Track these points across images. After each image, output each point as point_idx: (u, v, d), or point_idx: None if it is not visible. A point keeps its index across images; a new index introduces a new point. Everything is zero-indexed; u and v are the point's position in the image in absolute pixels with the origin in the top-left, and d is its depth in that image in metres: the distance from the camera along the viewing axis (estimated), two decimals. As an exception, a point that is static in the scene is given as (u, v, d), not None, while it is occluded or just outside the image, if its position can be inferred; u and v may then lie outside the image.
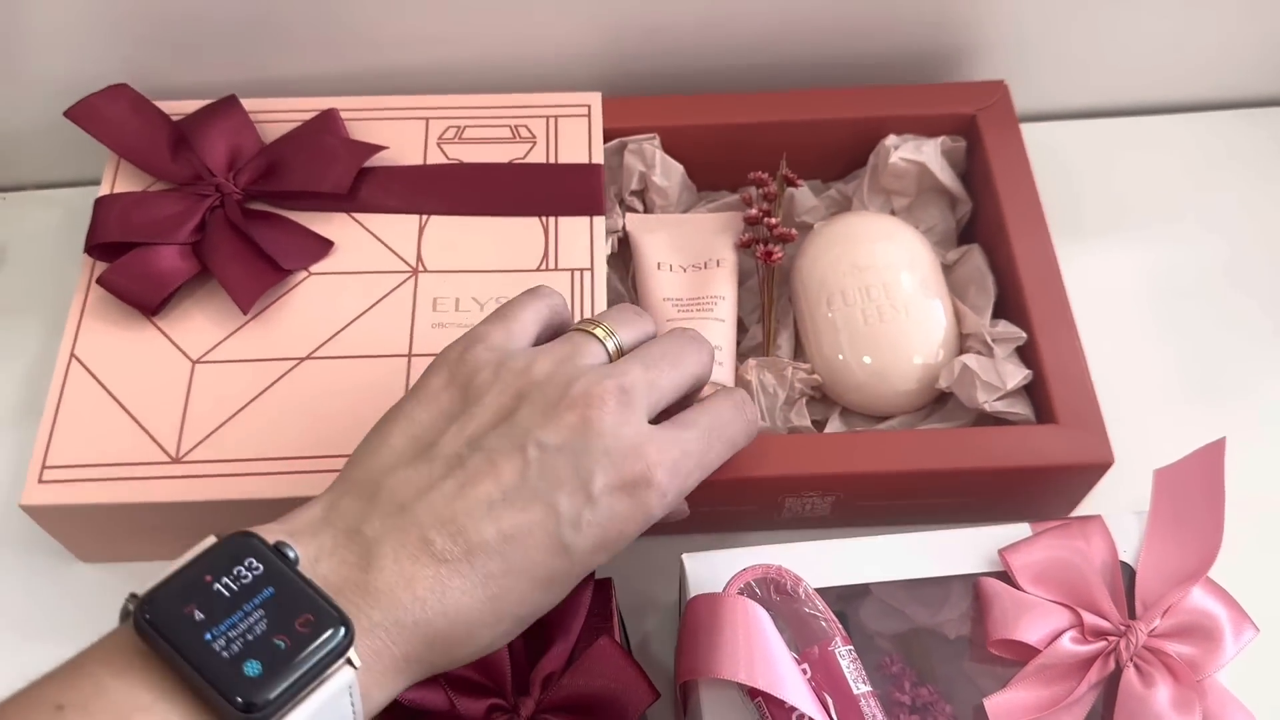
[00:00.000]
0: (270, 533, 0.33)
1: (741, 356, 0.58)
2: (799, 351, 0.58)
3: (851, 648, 0.44)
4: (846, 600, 0.47)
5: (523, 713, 0.46)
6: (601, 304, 0.53)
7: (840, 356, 0.55)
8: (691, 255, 0.59)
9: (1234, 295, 0.63)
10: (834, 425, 0.56)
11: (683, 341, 0.43)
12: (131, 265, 0.52)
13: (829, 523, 0.55)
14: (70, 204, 0.61)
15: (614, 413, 0.38)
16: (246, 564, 0.32)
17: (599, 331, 0.42)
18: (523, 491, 0.36)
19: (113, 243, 0.53)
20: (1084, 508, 0.56)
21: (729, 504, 0.53)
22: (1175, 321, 0.62)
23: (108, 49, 0.58)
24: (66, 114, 0.54)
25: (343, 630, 0.31)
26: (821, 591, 0.45)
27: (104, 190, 0.56)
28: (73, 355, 0.51)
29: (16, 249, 0.63)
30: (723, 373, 0.56)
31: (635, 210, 0.61)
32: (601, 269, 0.54)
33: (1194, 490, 0.47)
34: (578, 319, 0.45)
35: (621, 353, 0.42)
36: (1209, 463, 0.47)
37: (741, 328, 0.60)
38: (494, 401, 0.38)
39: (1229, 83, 0.68)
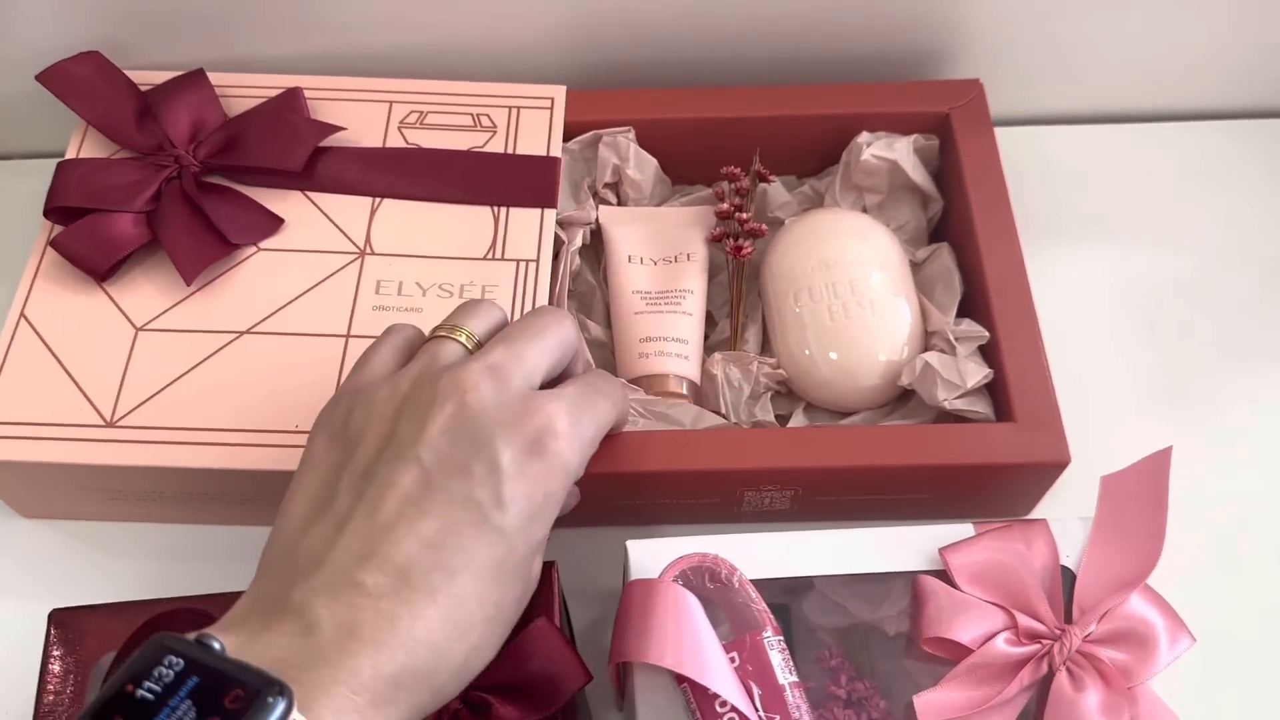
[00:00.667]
0: (192, 634, 0.32)
1: (710, 350, 0.57)
2: (766, 346, 0.57)
3: (782, 638, 0.43)
4: (791, 593, 0.47)
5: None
6: (544, 296, 0.53)
7: (806, 352, 0.54)
8: (662, 248, 0.58)
9: (1204, 308, 0.61)
10: (798, 420, 0.55)
11: (539, 314, 0.42)
12: (85, 230, 0.52)
13: (789, 517, 0.54)
14: (47, 174, 0.62)
15: (490, 390, 0.37)
16: (166, 663, 0.30)
17: (451, 332, 0.41)
18: (431, 494, 0.35)
19: (72, 207, 0.53)
20: (1043, 508, 0.55)
21: (689, 497, 0.53)
22: (1143, 330, 0.61)
23: (84, 23, 0.58)
24: (38, 77, 0.55)
25: (277, 690, 0.29)
26: (766, 583, 0.45)
27: (69, 155, 0.56)
28: (22, 315, 0.52)
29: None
30: (689, 367, 0.55)
31: (609, 203, 0.60)
32: (547, 262, 0.54)
33: (1138, 498, 0.46)
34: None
35: (480, 345, 0.41)
36: (1154, 471, 0.45)
37: (711, 322, 0.59)
38: (374, 433, 0.37)
39: (1211, 93, 0.67)
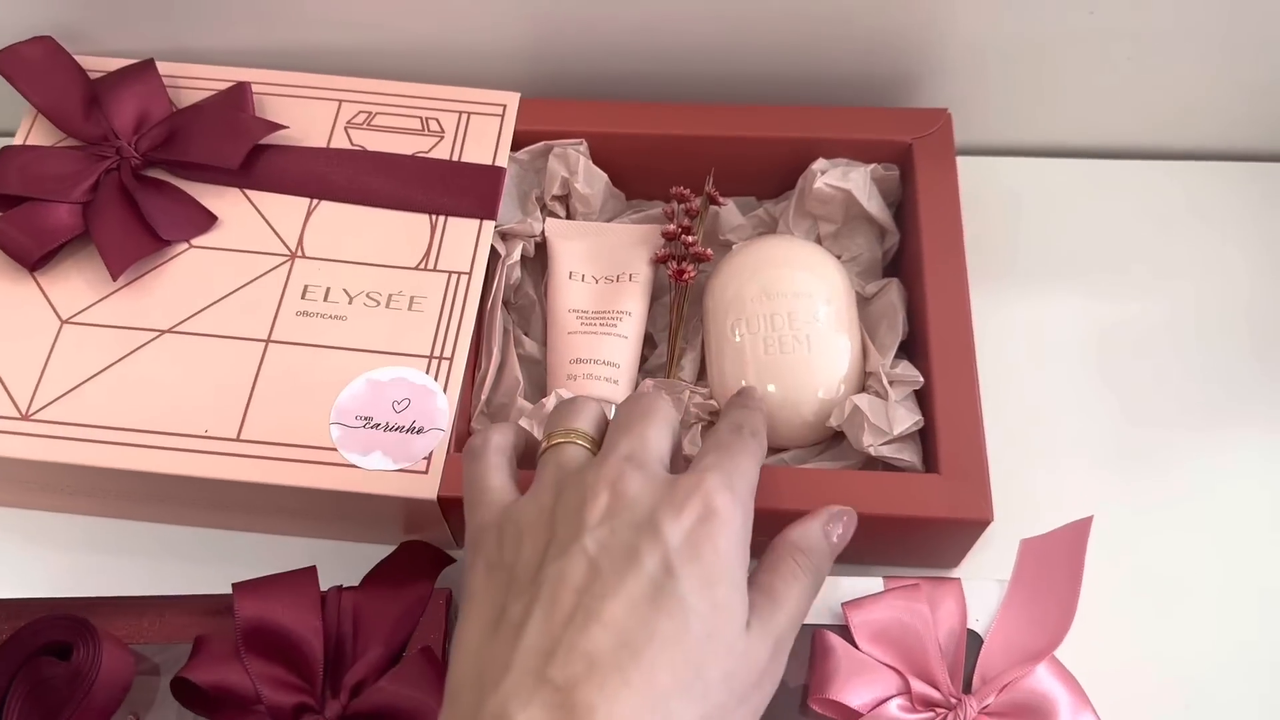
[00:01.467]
0: None
1: (646, 375, 0.56)
2: (704, 374, 0.55)
3: None
4: None
5: (328, 715, 0.45)
6: (473, 311, 0.52)
7: (742, 383, 0.52)
8: (606, 266, 0.57)
9: (1170, 358, 0.59)
10: None
11: (639, 399, 0.41)
12: (21, 218, 0.52)
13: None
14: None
15: (636, 477, 0.37)
16: None
17: (567, 437, 0.40)
18: (602, 579, 0.34)
19: (10, 194, 0.53)
20: (972, 562, 0.53)
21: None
22: (1097, 381, 0.58)
23: (42, 4, 0.58)
24: (-10, 60, 0.55)
25: None
26: None
27: (17, 141, 0.56)
28: (-48, 301, 0.52)
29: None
30: (617, 392, 0.54)
31: (557, 216, 0.59)
32: (479, 275, 0.53)
33: (1054, 565, 0.44)
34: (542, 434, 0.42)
35: (595, 442, 0.40)
36: (1073, 539, 0.44)
37: (651, 344, 0.58)
38: (531, 546, 0.37)
39: (1191, 132, 0.64)
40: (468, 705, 0.33)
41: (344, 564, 0.49)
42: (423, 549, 0.51)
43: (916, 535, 0.50)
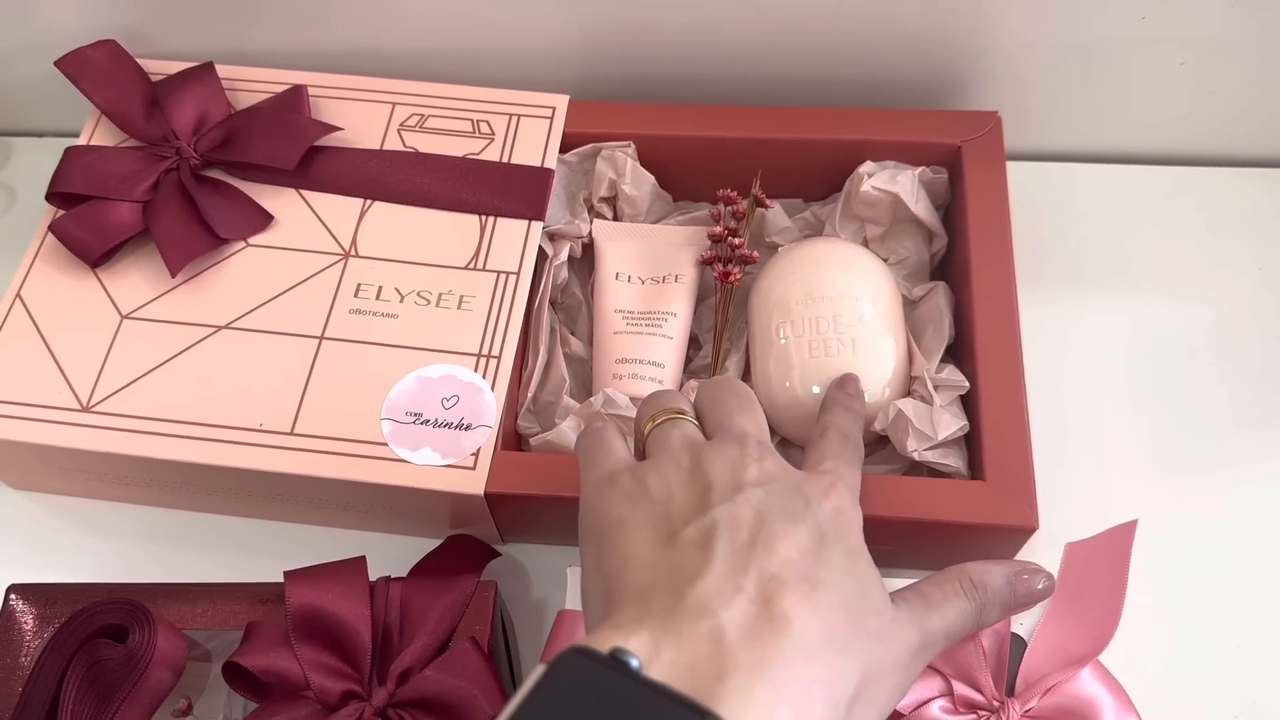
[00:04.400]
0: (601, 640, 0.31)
1: (690, 376, 0.56)
2: (748, 375, 0.56)
3: None
4: None
5: (374, 702, 0.46)
6: (520, 311, 0.53)
7: (786, 385, 0.53)
8: (652, 268, 0.58)
9: (1216, 368, 0.58)
10: None
11: (730, 383, 0.43)
12: (84, 216, 0.54)
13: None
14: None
15: (771, 459, 0.39)
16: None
17: (678, 414, 0.42)
18: (769, 525, 0.36)
19: (74, 193, 0.55)
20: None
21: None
22: (1147, 388, 0.58)
23: (107, 9, 0.60)
24: (57, 64, 0.57)
25: None
26: None
27: (82, 140, 0.58)
28: (18, 295, 0.53)
29: (27, 193, 0.66)
30: (663, 390, 0.54)
31: (604, 217, 0.59)
32: (527, 275, 0.54)
33: (1100, 570, 0.44)
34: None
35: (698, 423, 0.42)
36: (1118, 544, 0.43)
37: (697, 345, 0.58)
38: (683, 490, 0.38)
39: (1246, 139, 0.63)
40: (663, 603, 0.33)
41: (393, 556, 0.50)
42: (470, 542, 0.51)
43: (961, 541, 0.49)
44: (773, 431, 0.54)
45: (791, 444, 0.54)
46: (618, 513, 0.38)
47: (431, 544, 0.51)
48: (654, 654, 0.31)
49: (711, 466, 0.38)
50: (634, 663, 0.29)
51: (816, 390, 0.52)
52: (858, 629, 0.34)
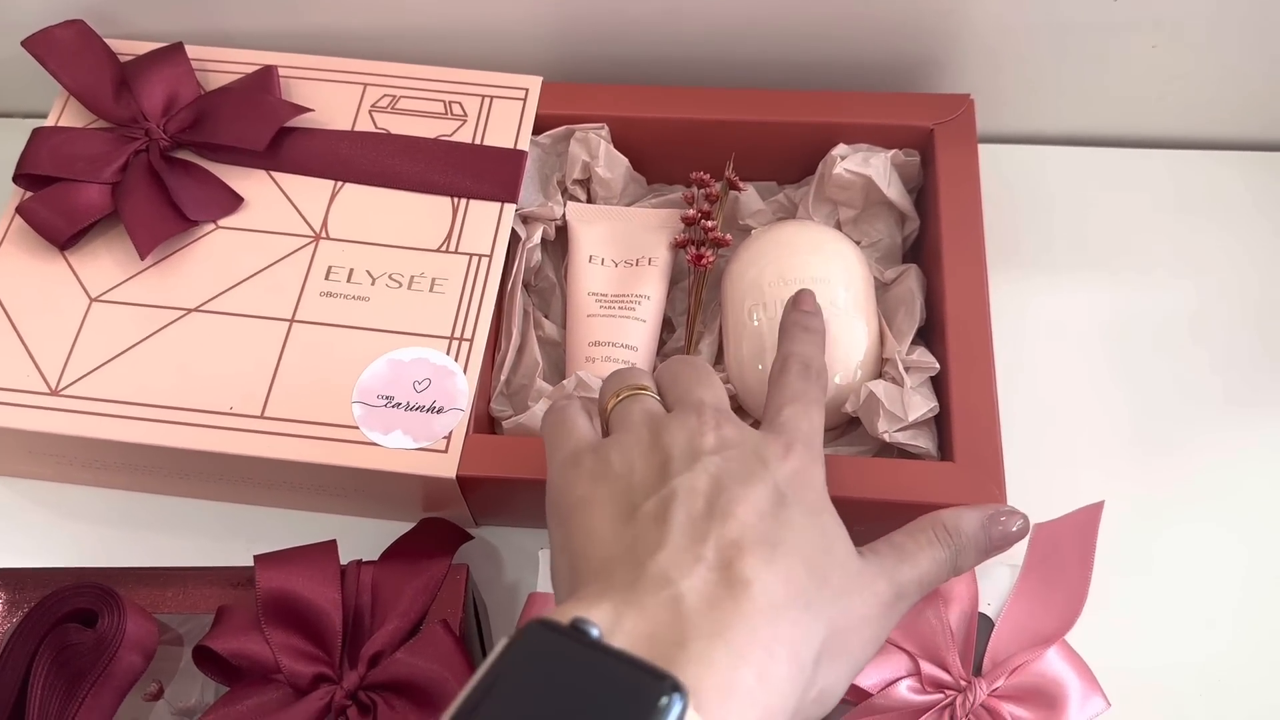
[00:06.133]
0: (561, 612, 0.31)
1: (663, 359, 0.56)
2: (722, 358, 0.56)
3: None
4: None
5: (345, 685, 0.46)
6: (493, 293, 0.53)
7: (760, 367, 0.53)
8: (625, 250, 0.57)
9: (1189, 349, 0.59)
10: None
11: (690, 362, 0.43)
12: (52, 198, 0.53)
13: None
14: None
15: (730, 424, 0.39)
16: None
17: (638, 390, 0.42)
18: (727, 490, 0.36)
19: (42, 175, 0.54)
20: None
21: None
22: (1119, 369, 0.58)
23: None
24: (24, 44, 0.56)
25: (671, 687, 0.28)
26: None
27: (50, 121, 0.57)
28: (-15, 279, 0.53)
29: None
30: (636, 372, 0.54)
31: (578, 199, 0.59)
32: (500, 258, 0.53)
33: (1067, 550, 0.44)
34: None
35: (659, 398, 0.42)
36: (1085, 524, 0.44)
37: (670, 329, 0.58)
38: (644, 463, 0.38)
39: (1218, 122, 0.64)
40: (624, 576, 0.33)
41: (366, 539, 0.50)
42: (442, 526, 0.51)
43: (930, 520, 0.50)
44: (745, 413, 0.55)
45: (764, 426, 0.55)
46: (581, 492, 0.38)
47: (404, 527, 0.51)
48: (615, 624, 0.31)
49: (670, 438, 0.38)
50: (594, 631, 0.29)
51: (789, 373, 0.52)
52: (821, 585, 0.35)
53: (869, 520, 0.50)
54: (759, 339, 0.53)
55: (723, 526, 0.34)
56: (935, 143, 0.56)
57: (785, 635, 0.33)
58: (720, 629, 0.31)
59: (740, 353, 0.54)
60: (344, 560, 0.48)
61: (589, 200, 0.60)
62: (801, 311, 0.47)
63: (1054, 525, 0.45)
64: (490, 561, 0.54)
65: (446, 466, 0.48)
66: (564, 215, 0.58)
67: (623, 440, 0.39)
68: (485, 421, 0.53)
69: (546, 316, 0.58)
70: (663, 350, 0.57)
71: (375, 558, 0.49)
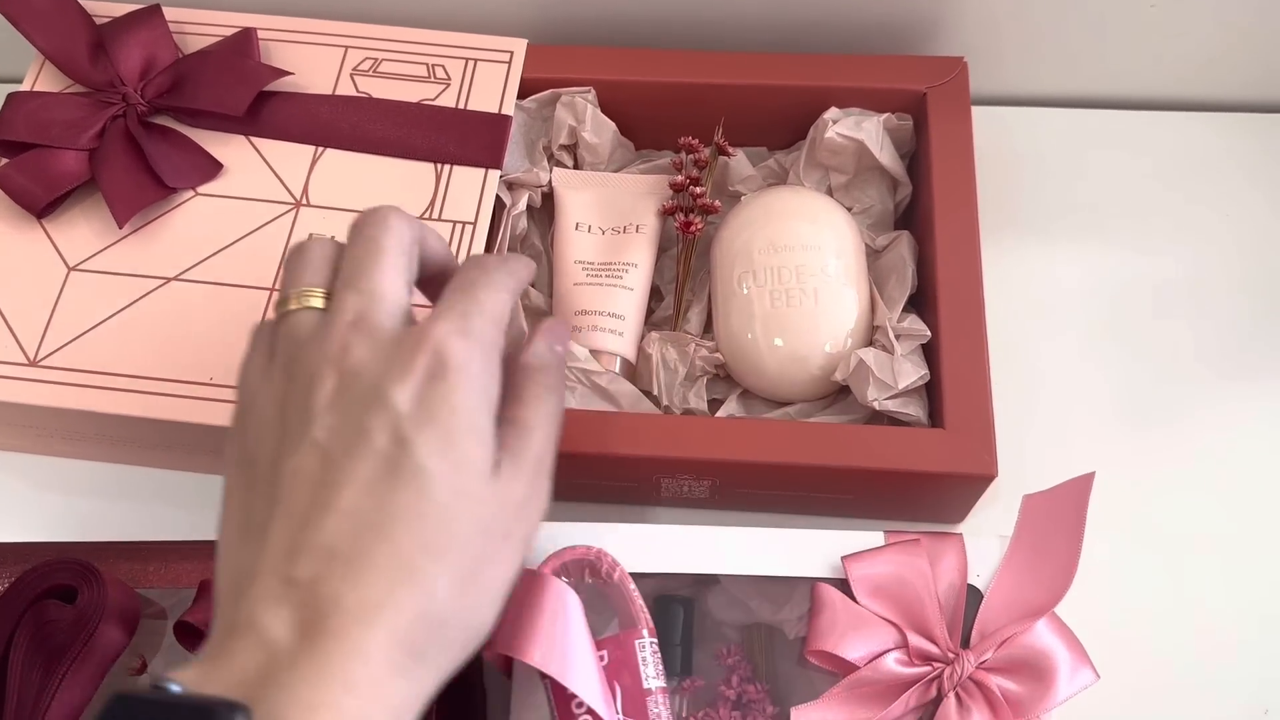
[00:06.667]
0: (150, 681, 0.31)
1: (652, 328, 0.56)
2: (710, 327, 0.55)
3: (655, 641, 0.43)
4: (698, 585, 0.46)
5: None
6: (480, 257, 0.52)
7: (749, 337, 0.52)
8: (613, 218, 0.57)
9: (1181, 317, 0.58)
10: (730, 408, 0.54)
11: (362, 227, 0.38)
12: (27, 164, 0.52)
13: (708, 505, 0.53)
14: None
15: (362, 345, 0.34)
16: None
17: (294, 301, 0.37)
18: (335, 467, 0.33)
19: (18, 141, 0.53)
20: (976, 517, 0.53)
21: (602, 479, 0.52)
22: (1110, 337, 0.58)
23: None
24: (-1, 6, 0.55)
25: (228, 710, 0.28)
26: (674, 575, 0.44)
27: (25, 86, 0.56)
28: (-40, 247, 0.52)
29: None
30: (623, 344, 0.54)
31: (565, 165, 0.58)
32: (484, 225, 0.52)
33: (1057, 522, 0.44)
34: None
35: (328, 295, 0.37)
36: (1075, 496, 0.43)
37: (659, 296, 0.57)
38: (269, 438, 0.35)
39: (1213, 83, 0.63)
40: (225, 615, 0.33)
41: None
42: None
43: (920, 490, 0.50)
44: (735, 383, 0.54)
45: (754, 397, 0.54)
46: (226, 483, 0.36)
47: None
48: (206, 678, 0.30)
49: (293, 394, 0.35)
50: (174, 688, 0.29)
51: (779, 342, 0.52)
52: (446, 540, 0.33)
53: (857, 489, 0.50)
54: (748, 307, 0.52)
55: (318, 530, 0.32)
56: (928, 107, 0.55)
57: (379, 654, 0.31)
58: (303, 668, 0.30)
59: (729, 321, 0.53)
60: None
61: (575, 166, 0.59)
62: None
63: (1044, 497, 0.45)
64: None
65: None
66: (550, 181, 0.57)
67: (260, 399, 0.36)
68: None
69: (533, 285, 0.57)
70: (650, 319, 0.56)
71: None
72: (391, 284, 0.36)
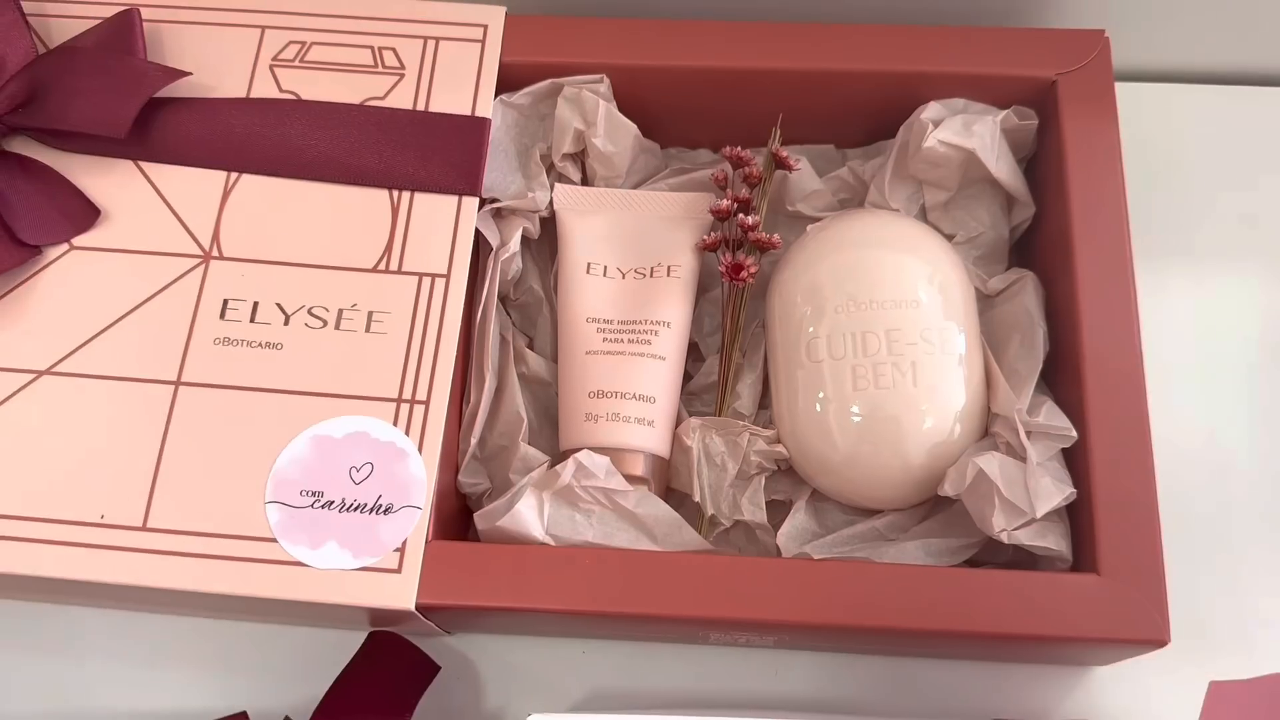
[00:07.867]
0: None
1: (690, 399, 0.43)
2: (766, 399, 0.42)
3: None
4: None
5: None
6: (454, 328, 0.39)
7: (824, 426, 0.40)
8: (636, 255, 0.44)
9: None
10: (797, 521, 0.41)
11: None
12: None
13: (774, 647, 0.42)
14: None
15: None
16: None
17: None
18: None
19: None
20: (1118, 669, 0.41)
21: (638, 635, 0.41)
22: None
23: None
24: None
25: None
26: None
27: None
28: None
29: None
30: (654, 437, 0.41)
31: (569, 180, 0.45)
32: (461, 276, 0.40)
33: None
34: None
35: None
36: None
37: (697, 356, 0.44)
38: None
39: None
40: None
41: (300, 652, 0.41)
42: (397, 648, 0.40)
43: (1059, 649, 0.38)
44: (804, 482, 0.41)
45: (827, 500, 0.41)
46: None
47: (348, 636, 0.40)
48: None
49: None
50: None
51: (864, 434, 0.39)
52: None
53: (976, 652, 0.38)
54: (820, 384, 0.40)
55: None
56: (1059, 99, 0.42)
57: None
58: None
59: (794, 400, 0.40)
60: (270, 705, 0.36)
61: (584, 182, 0.45)
62: None
63: (1237, 688, 0.33)
64: (464, 682, 0.41)
65: (401, 593, 0.36)
66: (550, 205, 0.43)
67: None
68: (452, 500, 0.40)
69: (531, 345, 0.44)
70: (688, 386, 0.43)
71: (309, 699, 0.37)
72: None
